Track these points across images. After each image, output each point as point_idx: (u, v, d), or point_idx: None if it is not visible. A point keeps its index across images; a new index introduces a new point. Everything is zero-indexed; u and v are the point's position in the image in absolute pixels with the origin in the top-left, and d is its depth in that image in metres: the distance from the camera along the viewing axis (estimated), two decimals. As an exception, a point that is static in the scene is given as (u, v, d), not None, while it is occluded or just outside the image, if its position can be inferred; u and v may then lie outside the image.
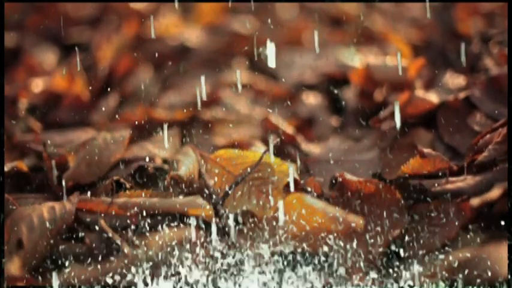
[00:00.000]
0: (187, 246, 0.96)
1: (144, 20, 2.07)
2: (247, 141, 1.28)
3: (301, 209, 0.98)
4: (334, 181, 1.07)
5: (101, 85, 1.69)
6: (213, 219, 0.99)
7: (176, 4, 2.12)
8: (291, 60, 1.77)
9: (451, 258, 0.93)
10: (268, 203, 1.02)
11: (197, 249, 0.96)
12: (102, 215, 1.02)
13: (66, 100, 1.60)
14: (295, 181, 1.06)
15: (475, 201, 0.97)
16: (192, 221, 0.99)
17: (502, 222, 0.97)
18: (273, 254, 0.96)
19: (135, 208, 1.01)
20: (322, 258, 0.95)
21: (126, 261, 0.95)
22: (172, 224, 1.00)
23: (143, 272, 0.94)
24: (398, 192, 1.02)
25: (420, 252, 0.96)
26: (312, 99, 1.57)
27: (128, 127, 1.34)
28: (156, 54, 1.80)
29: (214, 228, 0.98)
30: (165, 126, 1.19)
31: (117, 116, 1.53)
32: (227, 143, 1.29)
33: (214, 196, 1.04)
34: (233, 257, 0.96)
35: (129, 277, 0.94)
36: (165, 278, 0.94)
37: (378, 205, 1.01)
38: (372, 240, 0.96)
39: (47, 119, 1.53)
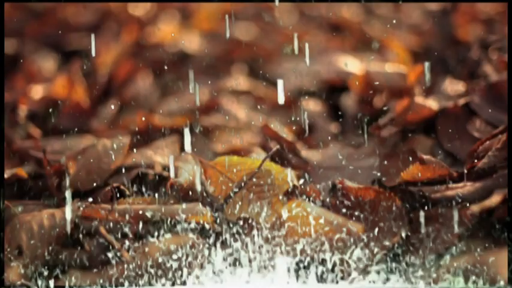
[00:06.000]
0: (188, 253, 0.96)
1: (144, 27, 2.07)
2: (247, 148, 1.28)
3: (301, 215, 0.98)
4: (333, 188, 1.07)
5: (101, 92, 1.69)
6: (213, 226, 0.99)
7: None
8: (290, 66, 1.77)
9: (451, 264, 0.93)
10: (268, 210, 1.02)
11: (197, 256, 0.96)
12: (102, 221, 1.01)
13: (66, 107, 1.60)
14: (295, 188, 1.06)
15: (474, 208, 0.96)
16: (192, 228, 0.99)
17: (502, 229, 0.97)
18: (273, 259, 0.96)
19: (135, 215, 1.01)
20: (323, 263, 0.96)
21: (126, 268, 0.95)
22: (172, 231, 1.00)
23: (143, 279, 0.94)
24: (398, 198, 1.02)
25: (420, 259, 0.96)
26: (311, 106, 1.57)
27: (127, 134, 1.34)
28: (157, 61, 1.80)
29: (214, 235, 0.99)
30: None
31: (116, 123, 1.53)
32: (227, 150, 1.29)
33: (214, 203, 1.04)
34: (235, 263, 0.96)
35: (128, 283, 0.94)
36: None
37: (378, 212, 1.01)
38: (372, 247, 0.96)
39: (46, 125, 1.53)
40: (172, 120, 1.45)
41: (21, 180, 1.16)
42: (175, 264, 0.95)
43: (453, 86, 1.39)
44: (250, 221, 1.01)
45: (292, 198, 1.04)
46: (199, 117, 1.46)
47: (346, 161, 1.20)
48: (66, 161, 1.17)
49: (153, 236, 0.99)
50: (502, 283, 0.91)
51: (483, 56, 1.50)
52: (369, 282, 0.94)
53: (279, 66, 1.79)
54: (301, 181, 1.11)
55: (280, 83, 1.18)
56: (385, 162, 1.16)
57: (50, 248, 0.97)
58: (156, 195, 1.09)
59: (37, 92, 1.65)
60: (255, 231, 0.98)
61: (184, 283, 0.95)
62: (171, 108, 1.57)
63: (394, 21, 2.10)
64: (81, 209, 1.02)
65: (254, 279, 0.95)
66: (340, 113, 1.52)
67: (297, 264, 0.96)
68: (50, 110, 1.59)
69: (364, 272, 0.95)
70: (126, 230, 1.01)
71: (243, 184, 1.05)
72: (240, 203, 1.04)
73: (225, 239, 0.98)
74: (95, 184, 1.14)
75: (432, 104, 1.27)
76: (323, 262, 0.96)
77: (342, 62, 1.68)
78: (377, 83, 1.46)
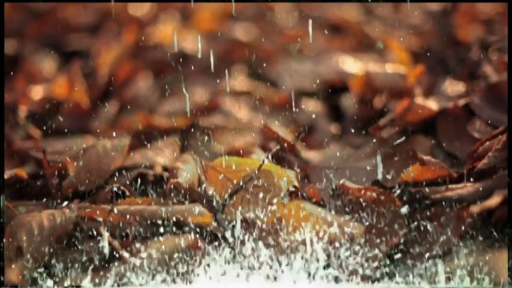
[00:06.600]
0: (187, 253, 0.96)
1: (144, 27, 2.07)
2: (247, 148, 1.28)
3: (301, 216, 0.98)
4: (334, 188, 1.07)
5: (101, 92, 1.69)
6: (213, 227, 1.00)
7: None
8: (290, 67, 1.77)
9: (451, 265, 0.93)
10: (268, 211, 1.02)
11: (197, 256, 0.96)
12: (102, 222, 1.01)
13: (66, 107, 1.60)
14: (295, 189, 1.06)
15: (474, 209, 0.96)
16: (192, 229, 0.99)
17: (502, 229, 0.98)
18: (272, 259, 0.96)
19: (135, 215, 1.01)
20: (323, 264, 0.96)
21: (125, 269, 0.95)
22: (172, 232, 1.00)
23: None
24: (398, 199, 1.02)
25: (420, 259, 0.96)
26: (311, 107, 1.57)
27: (127, 134, 1.34)
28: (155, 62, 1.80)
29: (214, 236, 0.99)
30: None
31: (116, 123, 1.54)
32: (227, 151, 1.29)
33: (214, 204, 1.04)
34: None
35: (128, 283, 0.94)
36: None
37: (378, 212, 1.01)
38: (372, 247, 0.96)
39: (46, 126, 1.53)
40: (172, 121, 1.45)
41: (21, 181, 1.16)
42: (175, 265, 0.95)
43: (453, 87, 1.39)
44: (250, 221, 1.01)
45: (292, 198, 1.04)
46: (199, 118, 1.46)
47: (346, 162, 1.20)
48: (66, 161, 1.17)
49: (153, 237, 0.99)
50: (502, 283, 0.91)
51: (483, 56, 1.50)
52: (371, 282, 0.95)
53: (279, 66, 1.79)
54: (301, 182, 1.11)
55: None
56: (385, 163, 1.16)
57: (50, 248, 0.98)
58: (156, 196, 1.09)
59: (37, 92, 1.65)
60: (255, 232, 0.99)
61: (184, 283, 0.95)
62: (171, 108, 1.57)
63: (396, 23, 2.10)
64: (81, 209, 1.02)
65: (254, 279, 0.95)
66: (340, 113, 1.53)
67: (298, 264, 0.96)
68: (50, 110, 1.59)
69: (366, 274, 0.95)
70: (126, 230, 1.01)
71: (243, 185, 1.05)
72: (240, 203, 1.04)
73: (225, 239, 0.98)
74: (95, 185, 1.14)
75: (432, 104, 1.27)
76: (323, 262, 0.96)
77: (342, 62, 1.69)
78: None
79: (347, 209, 1.03)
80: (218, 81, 1.69)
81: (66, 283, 0.94)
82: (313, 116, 1.52)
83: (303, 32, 2.06)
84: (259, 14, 2.23)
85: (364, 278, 0.95)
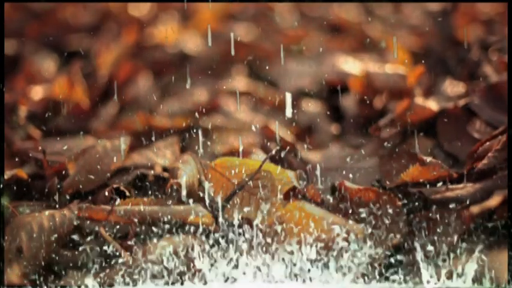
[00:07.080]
0: (187, 253, 0.96)
1: (144, 28, 2.07)
2: (247, 149, 1.27)
3: (301, 217, 0.98)
4: (334, 189, 1.07)
5: (101, 93, 1.69)
6: (213, 227, 1.00)
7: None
8: (290, 67, 1.77)
9: (451, 265, 0.93)
10: (268, 211, 1.02)
11: (197, 256, 0.96)
12: (102, 222, 1.02)
13: (66, 108, 1.60)
14: (295, 189, 1.06)
15: (475, 209, 0.97)
16: (192, 229, 0.99)
17: (502, 229, 0.98)
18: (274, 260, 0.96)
19: (135, 215, 1.01)
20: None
21: (125, 269, 0.95)
22: (172, 232, 1.00)
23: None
24: (398, 200, 1.02)
25: (421, 260, 0.96)
26: (311, 107, 1.57)
27: (127, 135, 1.33)
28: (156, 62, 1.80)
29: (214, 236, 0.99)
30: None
31: (116, 124, 1.54)
32: (227, 151, 1.29)
33: (214, 204, 1.04)
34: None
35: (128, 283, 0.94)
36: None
37: (378, 212, 1.01)
38: (372, 248, 0.96)
39: (46, 126, 1.53)
40: (173, 121, 1.45)
41: (21, 181, 1.16)
42: (175, 265, 0.95)
43: (453, 87, 1.39)
44: (250, 222, 1.01)
45: (292, 199, 1.04)
46: (199, 118, 1.46)
47: (346, 162, 1.20)
48: (66, 161, 1.17)
49: (153, 237, 0.99)
50: (502, 283, 0.91)
51: (483, 56, 1.50)
52: (371, 282, 0.95)
53: (279, 67, 1.79)
54: (301, 182, 1.11)
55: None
56: (385, 163, 1.16)
57: (50, 248, 0.98)
58: (156, 196, 1.09)
59: (37, 92, 1.65)
60: (254, 232, 0.98)
61: (184, 283, 0.95)
62: (171, 109, 1.57)
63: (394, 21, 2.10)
64: (81, 210, 1.02)
65: (254, 279, 0.95)
66: (340, 113, 1.53)
67: (297, 265, 0.96)
68: (50, 110, 1.59)
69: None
70: (126, 231, 1.01)
71: (243, 185, 1.05)
72: (240, 204, 1.04)
73: (225, 239, 0.98)
74: (95, 185, 1.14)
75: (432, 105, 1.27)
76: (323, 263, 0.96)
77: (342, 63, 1.68)
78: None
79: (347, 209, 1.03)
80: (218, 81, 1.70)
81: (66, 283, 0.94)
82: (313, 116, 1.52)
83: (303, 32, 2.06)
84: (260, 14, 2.23)
85: (364, 278, 0.95)
